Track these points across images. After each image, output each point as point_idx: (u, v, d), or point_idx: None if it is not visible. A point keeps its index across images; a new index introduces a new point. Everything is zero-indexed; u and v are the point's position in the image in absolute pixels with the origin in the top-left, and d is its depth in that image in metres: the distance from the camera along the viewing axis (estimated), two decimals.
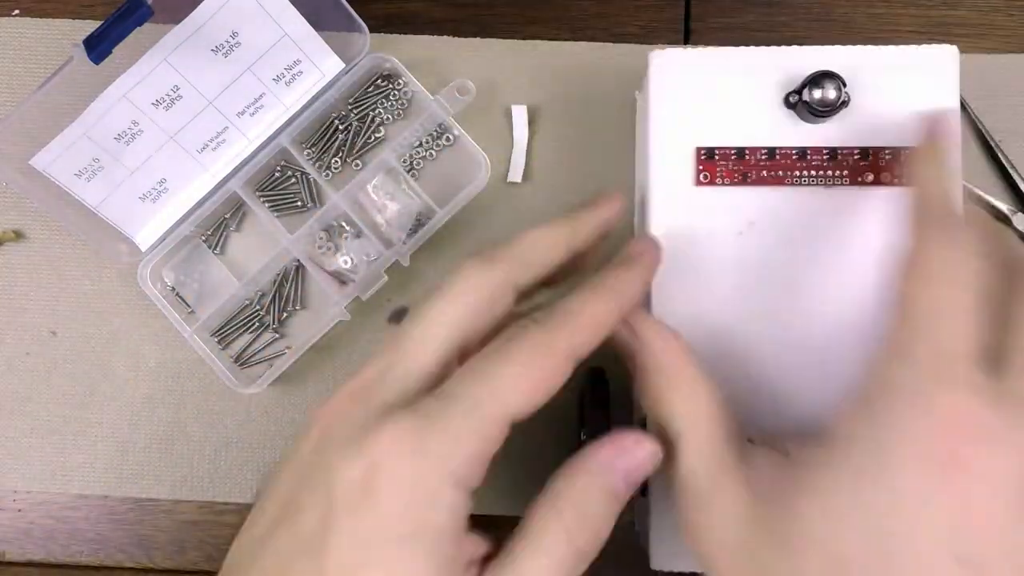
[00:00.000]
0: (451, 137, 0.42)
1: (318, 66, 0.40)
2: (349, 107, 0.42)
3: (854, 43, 0.33)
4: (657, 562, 0.32)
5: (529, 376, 0.24)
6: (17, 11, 0.43)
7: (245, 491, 0.40)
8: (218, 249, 0.42)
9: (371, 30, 0.40)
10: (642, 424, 0.34)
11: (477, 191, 0.40)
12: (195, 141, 0.40)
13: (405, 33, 0.42)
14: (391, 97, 0.42)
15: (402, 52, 0.41)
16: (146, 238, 0.41)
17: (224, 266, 0.42)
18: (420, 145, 0.42)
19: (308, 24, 0.39)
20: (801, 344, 0.33)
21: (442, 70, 0.42)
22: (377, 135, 0.42)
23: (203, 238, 0.42)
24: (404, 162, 0.42)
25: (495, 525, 0.41)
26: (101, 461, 0.41)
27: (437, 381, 0.25)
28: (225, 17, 0.37)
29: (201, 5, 0.36)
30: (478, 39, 0.42)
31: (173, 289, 0.41)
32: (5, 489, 0.41)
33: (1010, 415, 0.22)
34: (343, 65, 0.41)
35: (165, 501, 0.41)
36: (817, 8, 0.43)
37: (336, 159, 0.42)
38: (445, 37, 0.42)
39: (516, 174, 0.41)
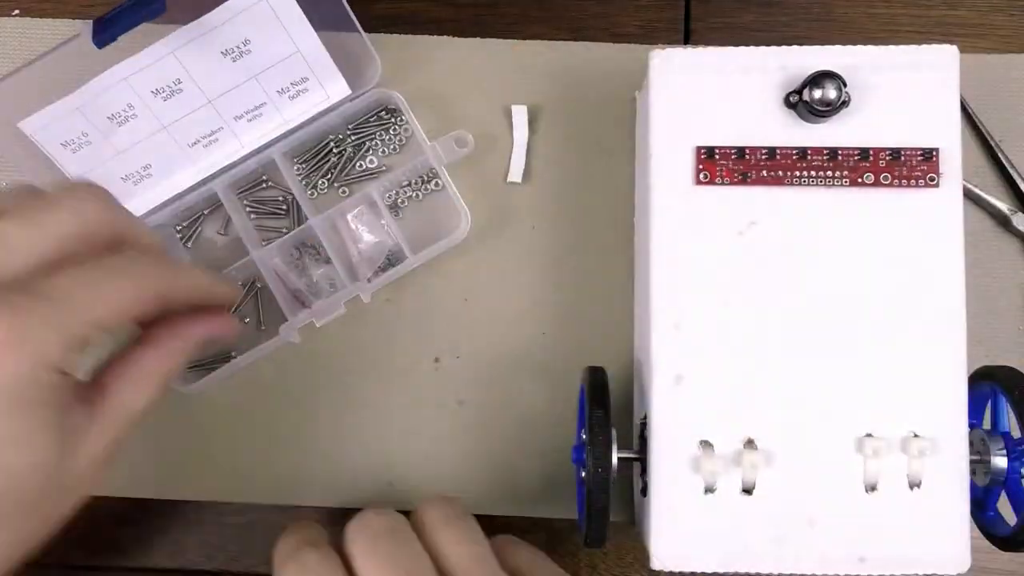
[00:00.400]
0: (439, 183, 0.41)
1: (324, 87, 0.40)
2: (348, 132, 0.42)
3: (854, 43, 0.33)
4: (657, 562, 0.32)
5: (120, 300, 0.28)
6: (17, 11, 0.43)
7: (245, 491, 0.40)
8: (190, 243, 0.42)
9: (371, 30, 0.40)
10: (642, 424, 0.34)
11: (453, 244, 0.40)
12: (187, 135, 0.40)
13: (405, 33, 0.42)
14: (391, 132, 0.42)
15: (402, 52, 0.42)
16: None
17: (190, 261, 0.42)
18: (408, 185, 0.42)
19: (322, 46, 0.39)
20: (802, 343, 0.33)
21: (442, 70, 0.42)
22: (369, 166, 0.42)
23: (177, 228, 0.42)
24: (389, 198, 0.41)
25: (495, 525, 0.41)
26: None
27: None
28: (241, 23, 0.37)
29: (219, 8, 0.36)
30: (478, 39, 0.42)
31: None
32: None
33: None
34: (350, 92, 0.40)
35: (164, 501, 0.41)
36: (817, 8, 0.43)
37: (324, 180, 0.42)
38: (445, 37, 0.42)
39: (516, 174, 0.41)
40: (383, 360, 0.41)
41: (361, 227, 0.41)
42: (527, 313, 0.41)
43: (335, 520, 0.37)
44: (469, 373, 0.41)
